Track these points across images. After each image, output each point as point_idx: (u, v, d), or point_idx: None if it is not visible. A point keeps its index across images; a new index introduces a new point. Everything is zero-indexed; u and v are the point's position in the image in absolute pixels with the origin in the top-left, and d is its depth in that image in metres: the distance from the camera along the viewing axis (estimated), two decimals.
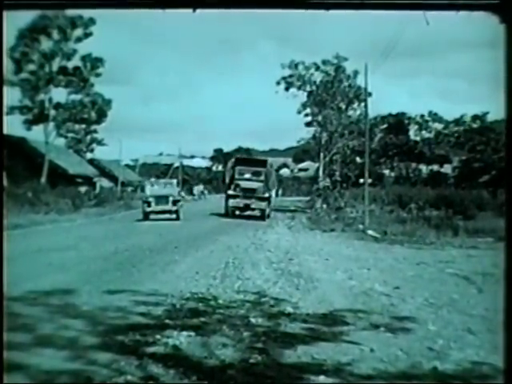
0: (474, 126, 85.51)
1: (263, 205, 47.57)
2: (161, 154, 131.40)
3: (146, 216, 43.09)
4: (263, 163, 52.39)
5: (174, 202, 43.64)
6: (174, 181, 49.73)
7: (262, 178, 49.65)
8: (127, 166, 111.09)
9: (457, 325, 11.66)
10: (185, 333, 9.96)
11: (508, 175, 5.30)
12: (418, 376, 8.23)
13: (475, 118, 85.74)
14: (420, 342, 10.17)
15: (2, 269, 5.93)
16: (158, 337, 9.68)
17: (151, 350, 8.95)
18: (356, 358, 8.87)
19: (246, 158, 56.71)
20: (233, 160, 53.28)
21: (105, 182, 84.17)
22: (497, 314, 12.72)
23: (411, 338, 10.42)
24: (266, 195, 48.52)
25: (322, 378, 7.91)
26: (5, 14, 5.66)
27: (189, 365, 8.28)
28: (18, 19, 55.16)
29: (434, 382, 8.06)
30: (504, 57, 5.26)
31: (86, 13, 60.20)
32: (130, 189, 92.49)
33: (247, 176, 49.88)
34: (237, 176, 49.90)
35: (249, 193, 47.50)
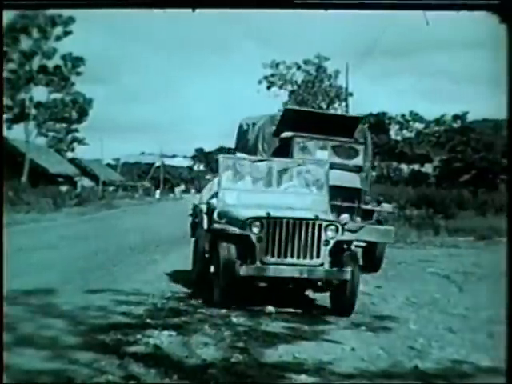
0: (455, 125, 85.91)
1: (381, 232, 19.49)
2: (142, 154, 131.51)
3: (228, 296, 12.28)
4: (351, 125, 21.76)
5: (343, 252, 12.57)
6: (321, 169, 14.89)
7: (359, 160, 21.07)
8: (108, 165, 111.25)
9: (438, 324, 11.72)
10: (166, 332, 9.95)
11: (508, 175, 5.31)
12: (398, 375, 8.26)
13: (455, 117, 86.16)
14: (401, 340, 10.21)
15: (1, 269, 5.93)
16: (139, 336, 9.66)
17: (132, 349, 8.92)
18: (337, 357, 8.88)
19: (309, 113, 24.88)
20: (269, 118, 21.87)
21: (86, 182, 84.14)
22: (477, 313, 12.84)
23: (392, 337, 10.47)
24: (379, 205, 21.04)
25: (303, 377, 7.91)
26: (5, 13, 5.68)
27: (170, 364, 8.26)
28: None
29: (415, 381, 8.08)
30: (506, 57, 5.28)
31: (66, 11, 60.11)
32: (111, 188, 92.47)
33: (321, 155, 20.37)
34: (301, 156, 19.75)
35: (342, 198, 18.72)
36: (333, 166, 18.10)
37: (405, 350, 9.56)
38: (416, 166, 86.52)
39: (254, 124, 22.48)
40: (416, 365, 8.66)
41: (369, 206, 19.97)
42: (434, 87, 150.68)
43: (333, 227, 12.32)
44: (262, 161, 15.03)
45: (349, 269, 12.07)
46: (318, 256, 12.18)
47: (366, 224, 18.86)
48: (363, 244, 19.13)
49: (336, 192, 17.07)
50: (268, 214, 12.25)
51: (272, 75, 67.97)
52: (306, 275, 12.10)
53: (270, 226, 12.13)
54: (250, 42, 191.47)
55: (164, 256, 20.58)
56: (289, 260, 12.14)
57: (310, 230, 12.18)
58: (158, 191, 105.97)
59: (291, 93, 68.51)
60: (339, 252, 12.42)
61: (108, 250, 21.77)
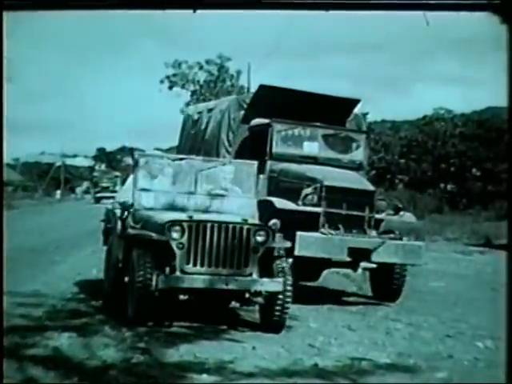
0: None
1: (407, 250, 14.31)
2: (42, 153, 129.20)
3: (143, 310, 10.66)
4: (344, 110, 17.22)
5: (274, 260, 11.17)
6: (250, 168, 12.96)
7: (359, 154, 16.64)
8: (8, 165, 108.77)
9: (337, 322, 11.90)
10: (66, 334, 9.84)
11: (508, 176, 5.39)
12: (299, 372, 8.35)
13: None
14: (301, 338, 10.34)
15: (2, 269, 5.85)
16: (38, 338, 9.53)
17: (31, 352, 8.80)
18: (238, 356, 8.93)
19: (290, 92, 16.53)
20: (235, 100, 17.40)
21: None
22: (376, 311, 13.08)
23: (292, 335, 10.59)
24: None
25: (204, 376, 7.94)
26: (5, 14, 5.58)
27: (70, 366, 8.18)
28: None
29: (315, 379, 8.17)
30: (507, 57, 5.35)
31: None
32: (10, 188, 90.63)
33: (310, 147, 16.25)
34: (283, 149, 15.85)
35: (347, 205, 14.27)
36: (324, 162, 15.93)
37: (305, 348, 9.69)
38: None
39: (210, 110, 18.58)
40: (316, 362, 8.77)
41: (383, 215, 14.99)
42: (334, 88, 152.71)
43: (263, 232, 10.87)
44: (182, 159, 13.11)
45: (280, 279, 10.72)
46: (246, 264, 10.73)
47: (387, 239, 14.29)
48: (374, 265, 14.74)
49: (339, 197, 14.38)
50: (190, 217, 10.86)
51: (174, 75, 67.48)
52: (232, 286, 10.63)
53: (191, 230, 10.60)
54: (152, 42, 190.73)
55: (64, 257, 20.30)
56: (213, 269, 10.64)
57: (237, 236, 10.71)
58: (58, 191, 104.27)
59: (193, 92, 68.22)
60: (270, 260, 11.03)
61: (6, 251, 21.33)
